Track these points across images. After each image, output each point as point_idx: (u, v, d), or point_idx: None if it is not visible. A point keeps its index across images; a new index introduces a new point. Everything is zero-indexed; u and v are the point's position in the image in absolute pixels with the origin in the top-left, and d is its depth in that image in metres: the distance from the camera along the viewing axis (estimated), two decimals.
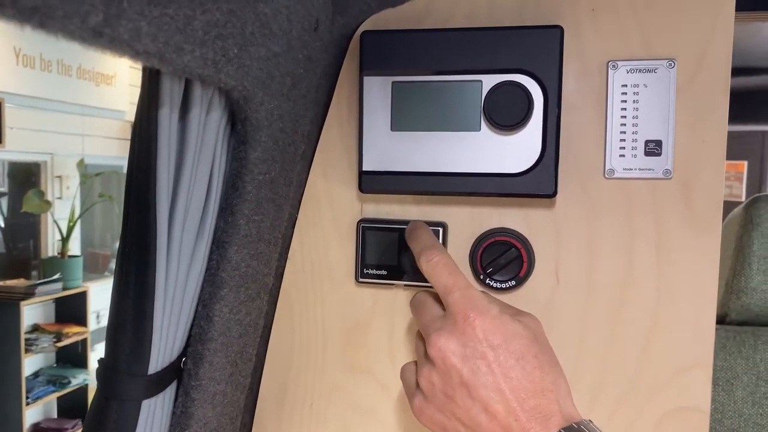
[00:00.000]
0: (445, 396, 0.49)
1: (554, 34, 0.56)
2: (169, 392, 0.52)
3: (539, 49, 0.56)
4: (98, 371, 0.49)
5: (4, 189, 3.74)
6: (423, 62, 0.58)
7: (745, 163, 5.58)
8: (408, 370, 0.54)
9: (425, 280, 0.62)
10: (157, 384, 0.50)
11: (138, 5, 0.31)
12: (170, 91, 0.44)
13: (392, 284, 0.64)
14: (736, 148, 5.45)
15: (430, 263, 0.52)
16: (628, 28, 0.58)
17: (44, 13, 0.26)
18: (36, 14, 0.26)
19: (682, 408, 0.59)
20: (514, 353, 0.47)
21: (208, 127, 0.48)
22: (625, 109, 0.58)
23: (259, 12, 0.44)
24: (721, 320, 0.97)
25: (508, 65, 0.57)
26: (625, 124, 0.58)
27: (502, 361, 0.47)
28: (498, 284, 0.61)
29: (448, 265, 0.52)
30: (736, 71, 1.47)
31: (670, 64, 0.57)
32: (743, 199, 5.31)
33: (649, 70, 0.57)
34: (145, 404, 0.49)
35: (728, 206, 1.07)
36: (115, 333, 0.48)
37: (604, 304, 0.60)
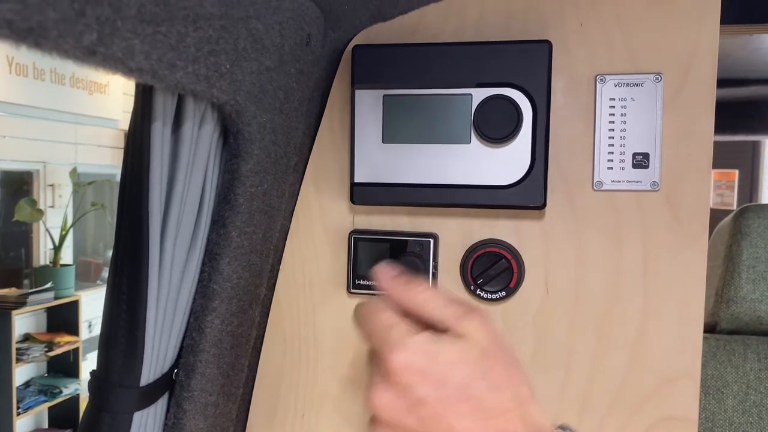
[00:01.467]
0: (398, 422, 0.40)
1: (543, 48, 0.57)
2: (161, 404, 0.53)
3: (528, 63, 0.57)
4: (90, 383, 0.50)
5: None
6: (414, 76, 0.59)
7: (737, 171, 5.61)
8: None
9: None
10: (149, 396, 0.50)
11: (131, 24, 0.32)
12: (163, 106, 0.45)
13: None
14: (727, 156, 5.49)
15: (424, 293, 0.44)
16: (616, 42, 0.59)
17: (39, 34, 0.26)
18: (31, 35, 0.26)
19: (670, 418, 0.59)
20: (458, 386, 0.40)
21: (201, 140, 0.49)
22: (613, 122, 0.59)
23: (252, 28, 0.44)
24: (712, 329, 0.98)
25: (497, 79, 0.57)
26: (613, 137, 0.59)
27: (445, 399, 0.40)
28: (489, 295, 0.61)
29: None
30: (726, 82, 1.49)
31: (657, 78, 0.58)
32: (734, 207, 5.33)
33: (636, 84, 0.58)
34: (137, 416, 0.49)
35: (720, 214, 1.08)
36: (107, 345, 0.48)
37: (592, 315, 0.60)
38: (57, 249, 3.73)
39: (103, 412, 0.49)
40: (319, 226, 0.66)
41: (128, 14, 0.31)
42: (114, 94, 4.25)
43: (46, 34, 0.27)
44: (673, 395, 0.59)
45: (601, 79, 0.59)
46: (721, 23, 0.57)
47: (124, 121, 4.24)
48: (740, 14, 0.77)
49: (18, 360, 3.34)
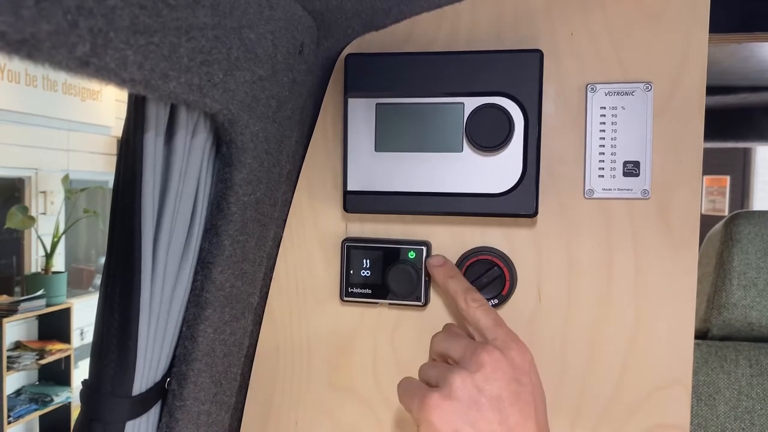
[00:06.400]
0: (472, 401, 0.49)
1: (534, 57, 0.57)
2: (154, 413, 0.53)
3: (519, 72, 0.57)
4: (82, 393, 0.49)
5: None
6: (406, 84, 0.59)
7: (728, 177, 5.66)
8: (409, 379, 0.55)
9: (410, 299, 0.62)
10: (141, 405, 0.50)
11: (124, 35, 0.32)
12: (156, 115, 0.45)
13: (377, 303, 0.65)
14: (719, 163, 5.53)
15: (476, 302, 0.56)
16: (606, 52, 0.59)
17: (32, 45, 0.27)
18: (24, 46, 0.26)
19: (663, 425, 0.59)
20: (542, 394, 0.53)
21: (194, 149, 0.49)
22: (603, 130, 0.59)
23: (244, 37, 0.44)
24: (704, 335, 0.98)
25: (489, 88, 0.58)
26: (603, 146, 0.60)
27: (537, 397, 0.52)
28: None
29: (490, 307, 0.57)
30: (716, 90, 1.50)
31: (647, 87, 0.58)
32: (726, 212, 5.38)
33: (626, 93, 0.59)
34: (129, 425, 0.49)
35: (711, 220, 1.09)
36: (99, 354, 0.48)
37: (584, 322, 0.61)
38: (49, 256, 3.71)
39: (95, 421, 0.48)
40: (312, 235, 0.66)
41: (121, 25, 0.31)
42: (107, 101, 4.24)
43: (39, 45, 0.27)
44: (665, 402, 0.59)
45: (592, 88, 0.59)
46: (709, 32, 0.58)
47: (117, 128, 4.23)
48: (729, 23, 0.78)
49: (9, 368, 3.32)
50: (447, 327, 0.61)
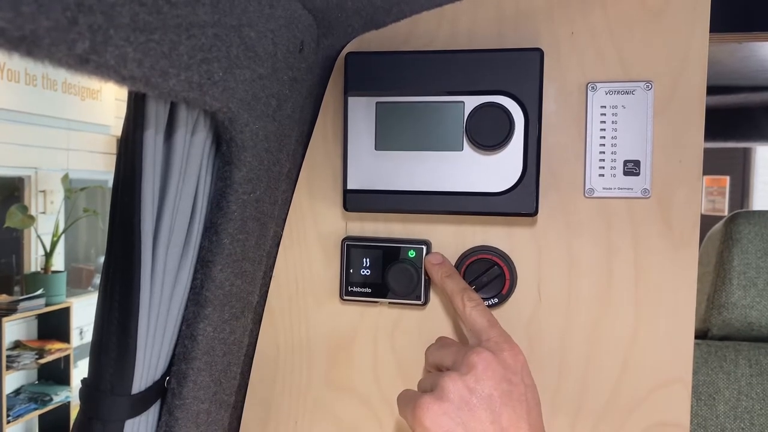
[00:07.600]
0: (463, 402, 0.50)
1: (534, 56, 0.57)
2: (153, 412, 0.52)
3: (520, 71, 0.57)
4: (81, 391, 0.49)
5: None
6: (406, 83, 0.59)
7: (728, 178, 5.66)
8: (407, 390, 0.56)
9: (410, 298, 0.62)
10: (140, 403, 0.50)
11: (124, 32, 0.32)
12: (155, 113, 0.45)
13: (377, 302, 0.65)
14: (718, 163, 5.53)
15: (472, 301, 0.57)
16: (606, 51, 0.59)
17: (32, 42, 0.26)
18: (24, 43, 0.26)
19: (662, 423, 0.59)
20: (535, 395, 0.53)
21: (193, 147, 0.49)
22: (604, 129, 0.59)
23: (244, 35, 0.44)
24: (703, 335, 0.98)
25: (489, 87, 0.58)
26: (604, 145, 0.60)
27: (530, 398, 0.52)
28: None
29: (485, 308, 0.57)
30: (717, 90, 1.49)
31: (648, 86, 0.58)
32: (726, 213, 5.38)
33: (627, 92, 0.59)
34: (129, 424, 0.49)
35: (711, 220, 1.09)
36: (98, 352, 0.48)
37: (584, 321, 0.61)
38: (48, 255, 3.71)
39: (94, 420, 0.48)
40: (312, 233, 0.66)
41: (121, 22, 0.31)
42: (106, 100, 4.24)
43: (38, 42, 0.27)
44: (664, 401, 0.59)
45: (593, 87, 0.59)
46: (710, 31, 0.58)
47: (117, 127, 4.23)
48: (729, 22, 0.78)
49: (8, 367, 3.31)
50: (439, 339, 0.62)
